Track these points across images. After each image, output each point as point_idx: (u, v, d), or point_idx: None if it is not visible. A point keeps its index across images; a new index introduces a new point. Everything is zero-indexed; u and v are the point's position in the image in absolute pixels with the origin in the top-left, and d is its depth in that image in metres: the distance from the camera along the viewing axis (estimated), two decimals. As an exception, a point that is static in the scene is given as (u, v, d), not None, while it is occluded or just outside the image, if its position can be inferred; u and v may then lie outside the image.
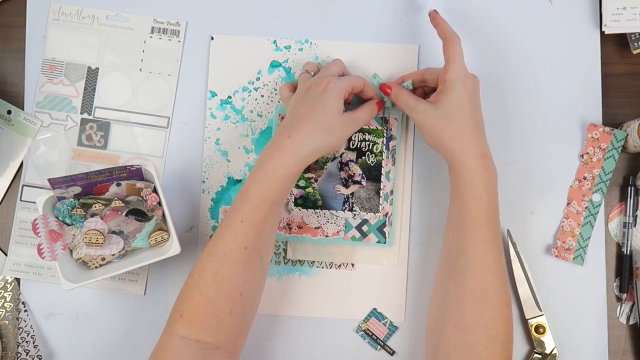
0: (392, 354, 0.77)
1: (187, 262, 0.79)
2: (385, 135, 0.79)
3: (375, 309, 0.78)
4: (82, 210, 0.73)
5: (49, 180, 0.70)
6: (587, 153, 0.79)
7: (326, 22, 0.81)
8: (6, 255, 0.80)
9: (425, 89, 0.77)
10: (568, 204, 0.79)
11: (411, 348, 0.78)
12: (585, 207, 0.78)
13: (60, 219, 0.73)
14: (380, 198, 0.78)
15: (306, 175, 0.79)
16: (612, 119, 0.80)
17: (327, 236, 0.79)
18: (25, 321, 0.79)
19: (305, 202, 0.79)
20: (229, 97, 0.81)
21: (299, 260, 0.79)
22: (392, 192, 0.79)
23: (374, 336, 0.78)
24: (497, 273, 0.66)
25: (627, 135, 0.77)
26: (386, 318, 0.78)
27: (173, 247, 0.72)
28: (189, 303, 0.65)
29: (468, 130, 0.68)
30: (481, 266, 0.66)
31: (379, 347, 0.78)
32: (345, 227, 0.79)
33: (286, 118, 0.70)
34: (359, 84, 0.72)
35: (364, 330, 0.78)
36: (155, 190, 0.75)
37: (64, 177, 0.70)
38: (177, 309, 0.66)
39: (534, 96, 0.80)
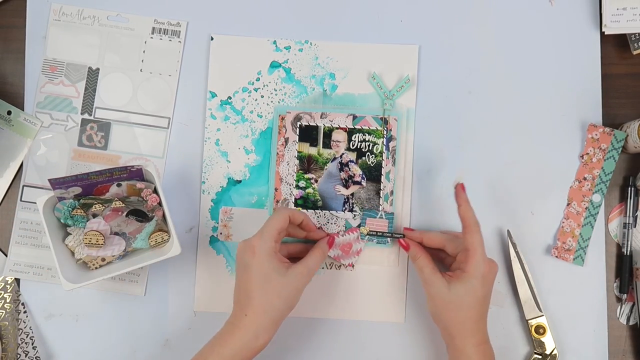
0: (402, 236, 0.76)
1: (187, 262, 0.79)
2: (385, 135, 0.79)
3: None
4: (83, 211, 0.73)
5: (50, 180, 0.70)
6: (587, 153, 0.79)
7: (326, 22, 0.81)
8: (6, 255, 0.80)
9: (442, 255, 0.75)
10: (568, 204, 0.79)
11: (411, 348, 0.78)
12: (585, 208, 0.78)
13: (61, 220, 0.73)
14: (380, 198, 0.78)
15: (306, 176, 0.79)
16: (612, 120, 0.80)
17: (327, 237, 0.79)
18: (25, 322, 0.79)
19: (305, 202, 0.79)
20: (229, 97, 0.81)
21: (299, 260, 0.79)
22: (392, 192, 0.79)
23: (379, 233, 0.77)
24: None
25: (627, 135, 0.77)
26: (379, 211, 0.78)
27: (173, 247, 0.72)
28: None
29: (472, 321, 0.68)
30: None
31: (388, 240, 0.77)
32: (345, 227, 0.79)
33: (235, 289, 0.69)
34: (286, 221, 0.70)
35: (367, 234, 0.78)
36: (155, 191, 0.75)
37: (65, 178, 0.70)
38: None
39: (534, 96, 0.80)
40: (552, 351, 0.76)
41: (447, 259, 0.75)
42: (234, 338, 0.66)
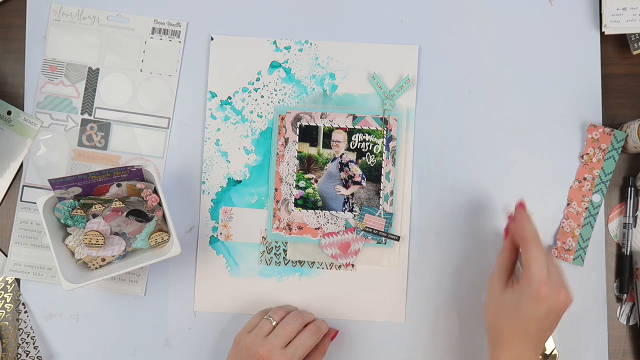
0: (397, 239, 0.77)
1: (187, 262, 0.79)
2: (385, 135, 0.79)
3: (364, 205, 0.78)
4: (83, 211, 0.73)
5: (49, 180, 0.70)
6: (587, 154, 0.79)
7: (326, 22, 0.81)
8: (6, 255, 0.80)
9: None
10: (568, 204, 0.79)
11: (411, 348, 0.78)
12: (585, 208, 0.78)
13: (61, 220, 0.73)
14: (380, 199, 0.78)
15: (306, 176, 0.79)
16: (612, 120, 0.80)
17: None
18: (25, 322, 0.79)
19: (305, 202, 0.79)
20: (229, 97, 0.81)
21: (299, 261, 0.79)
22: (392, 192, 0.79)
23: (374, 230, 0.77)
24: None
25: (627, 135, 0.77)
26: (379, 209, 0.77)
27: (173, 247, 0.72)
28: None
29: (511, 335, 0.64)
30: None
31: (382, 238, 0.77)
32: (345, 227, 0.79)
33: None
34: (315, 342, 0.71)
35: (363, 230, 0.78)
36: (155, 191, 0.75)
37: (64, 178, 0.70)
38: None
39: (534, 97, 0.80)
40: (552, 351, 0.76)
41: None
42: None
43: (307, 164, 0.79)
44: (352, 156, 0.79)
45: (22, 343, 0.79)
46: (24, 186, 0.80)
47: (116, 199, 0.73)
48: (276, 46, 0.81)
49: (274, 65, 0.81)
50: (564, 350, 0.77)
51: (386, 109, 0.79)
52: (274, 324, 0.71)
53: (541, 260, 0.63)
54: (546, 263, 0.63)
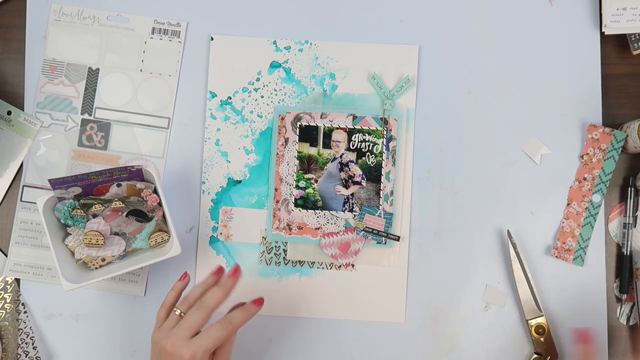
0: (397, 239, 0.76)
1: (187, 262, 0.79)
2: (385, 135, 0.79)
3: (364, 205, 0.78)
4: (83, 211, 0.73)
5: (50, 180, 0.70)
6: (587, 154, 0.79)
7: (326, 22, 0.81)
8: (6, 255, 0.80)
9: None
10: (568, 204, 0.79)
11: (411, 348, 0.78)
12: (585, 208, 0.78)
13: (61, 220, 0.73)
14: (380, 199, 0.78)
15: (306, 176, 0.79)
16: (612, 120, 0.80)
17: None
18: (25, 322, 0.79)
19: (305, 202, 0.79)
20: (229, 97, 0.81)
21: (299, 261, 0.79)
22: (392, 192, 0.79)
23: (374, 230, 0.77)
24: None
25: (627, 135, 0.77)
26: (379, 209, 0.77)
27: (173, 247, 0.72)
28: None
29: None
30: None
31: (382, 238, 0.77)
32: (345, 227, 0.79)
33: None
34: (225, 335, 0.65)
35: (363, 230, 0.78)
36: (155, 191, 0.75)
37: (65, 178, 0.70)
38: None
39: (533, 96, 0.80)
40: (552, 351, 0.76)
41: None
42: None
43: (307, 164, 0.79)
44: (352, 156, 0.79)
45: (22, 343, 0.78)
46: (24, 186, 0.80)
47: (116, 199, 0.73)
48: (276, 46, 0.81)
49: (274, 65, 0.81)
50: (564, 351, 0.77)
51: (386, 109, 0.79)
52: (178, 313, 0.66)
53: None
54: None
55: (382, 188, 0.78)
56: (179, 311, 0.66)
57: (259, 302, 0.68)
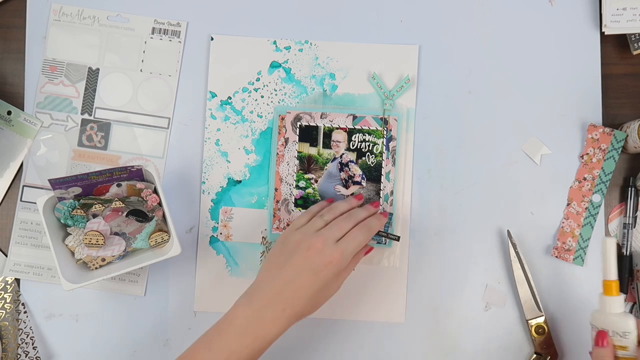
0: (397, 239, 0.76)
1: (187, 262, 0.79)
2: (385, 135, 0.79)
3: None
4: (83, 211, 0.73)
5: (50, 180, 0.70)
6: (587, 154, 0.79)
7: (326, 22, 0.81)
8: (6, 255, 0.80)
9: None
10: (568, 204, 0.79)
11: (411, 348, 0.78)
12: (585, 208, 0.78)
13: (61, 220, 0.73)
14: (381, 199, 0.78)
15: (306, 176, 0.79)
16: (612, 120, 0.80)
17: (327, 237, 0.79)
18: (25, 322, 0.79)
19: (305, 202, 0.79)
20: (229, 97, 0.81)
21: (299, 260, 0.79)
22: (392, 192, 0.79)
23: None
24: None
25: (627, 135, 0.77)
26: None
27: (173, 247, 0.72)
28: None
29: None
30: None
31: (382, 238, 0.78)
32: (346, 227, 0.79)
33: (275, 274, 0.66)
34: (366, 241, 0.70)
35: None
36: (155, 191, 0.75)
37: (65, 178, 0.70)
38: None
39: (533, 96, 0.80)
40: (552, 351, 0.76)
41: None
42: (264, 329, 0.65)
43: (307, 164, 0.79)
44: (352, 156, 0.79)
45: (22, 343, 0.79)
46: (24, 186, 0.80)
47: (116, 199, 0.73)
48: (276, 46, 0.81)
49: (274, 65, 0.81)
50: (564, 351, 0.77)
51: (386, 109, 0.79)
52: (326, 218, 0.70)
53: None
54: None
55: (382, 188, 0.78)
56: (326, 217, 0.70)
57: (376, 204, 0.75)
